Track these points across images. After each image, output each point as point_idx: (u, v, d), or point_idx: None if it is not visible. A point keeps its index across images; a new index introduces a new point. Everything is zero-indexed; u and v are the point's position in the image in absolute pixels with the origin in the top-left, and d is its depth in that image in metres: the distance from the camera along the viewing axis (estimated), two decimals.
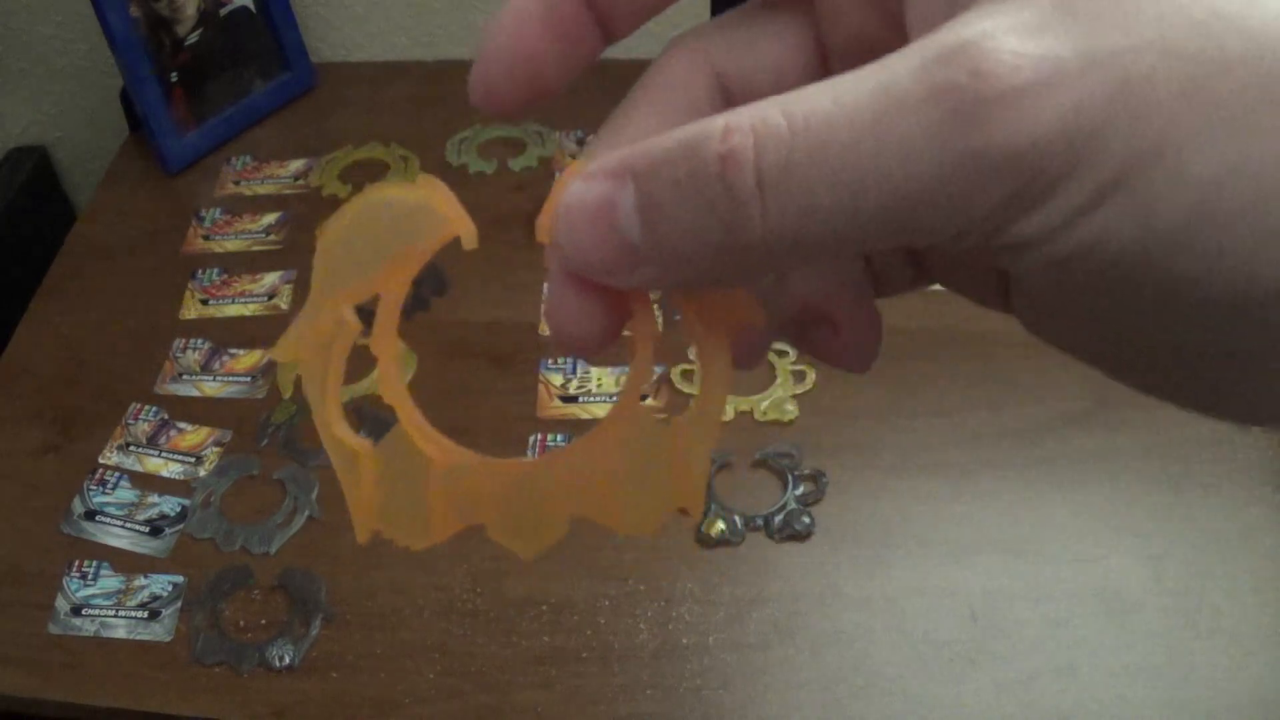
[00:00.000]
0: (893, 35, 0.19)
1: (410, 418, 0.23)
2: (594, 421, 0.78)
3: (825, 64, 0.21)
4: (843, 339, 0.23)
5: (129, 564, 0.72)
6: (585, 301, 0.20)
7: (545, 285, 0.19)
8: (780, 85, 0.20)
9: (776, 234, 0.16)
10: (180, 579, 0.71)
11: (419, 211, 0.20)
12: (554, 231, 0.19)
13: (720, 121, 0.16)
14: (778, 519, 0.72)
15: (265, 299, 0.90)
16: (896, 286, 0.24)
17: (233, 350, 0.86)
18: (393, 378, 0.22)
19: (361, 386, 0.82)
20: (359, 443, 0.22)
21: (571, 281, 0.20)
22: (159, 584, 0.71)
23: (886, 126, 0.15)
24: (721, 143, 0.16)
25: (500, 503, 0.22)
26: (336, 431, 0.22)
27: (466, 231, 0.20)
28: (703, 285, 0.19)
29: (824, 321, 0.23)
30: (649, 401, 0.19)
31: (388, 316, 0.22)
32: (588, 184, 0.18)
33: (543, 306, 0.20)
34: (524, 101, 0.21)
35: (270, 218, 0.97)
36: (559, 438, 0.77)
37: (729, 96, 0.22)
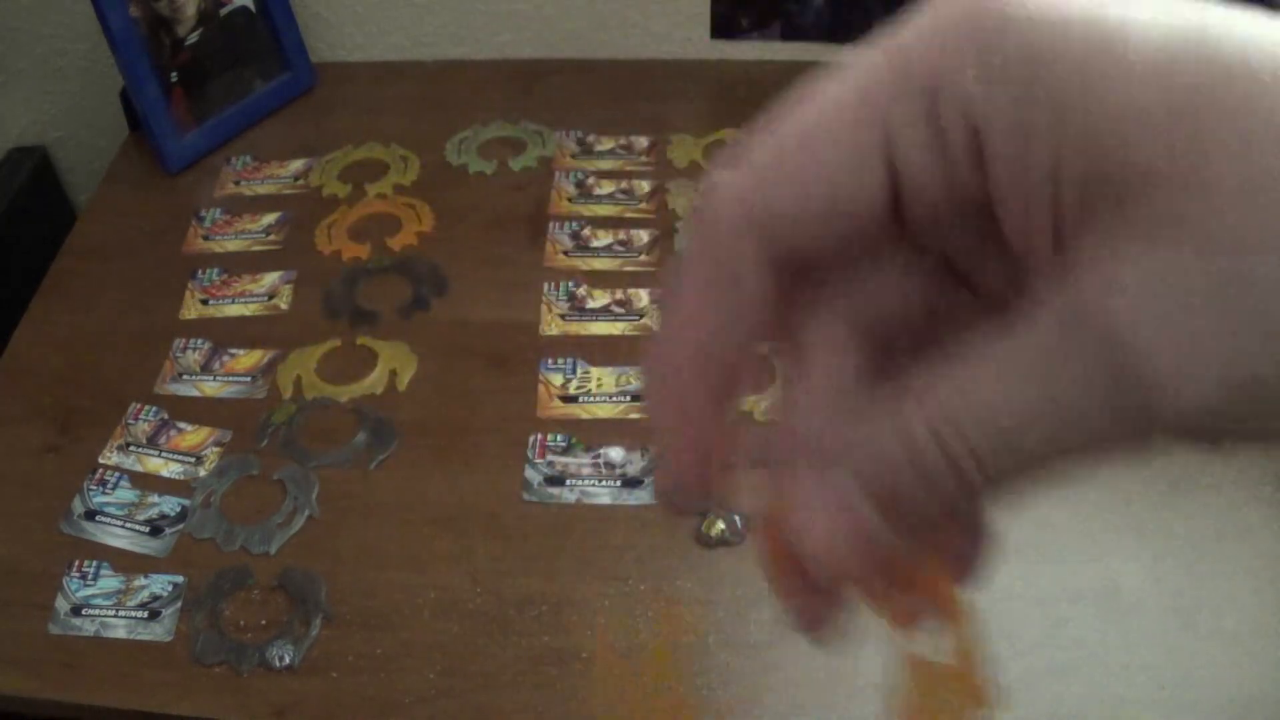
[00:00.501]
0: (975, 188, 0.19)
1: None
2: (594, 421, 0.79)
3: (896, 205, 0.20)
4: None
5: (129, 564, 0.72)
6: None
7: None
8: (844, 251, 0.20)
9: (995, 486, 0.19)
10: (180, 579, 0.71)
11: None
12: (814, 560, 0.21)
13: (909, 425, 0.19)
14: None
15: (265, 299, 0.90)
16: None
17: (233, 350, 0.86)
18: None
19: (361, 386, 0.82)
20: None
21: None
22: (159, 584, 0.71)
23: (1061, 415, 0.17)
24: (934, 438, 0.19)
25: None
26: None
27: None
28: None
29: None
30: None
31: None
32: (820, 515, 0.21)
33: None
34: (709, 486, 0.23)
35: (270, 218, 0.97)
36: (559, 438, 0.77)
37: (780, 264, 0.21)
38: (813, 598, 0.23)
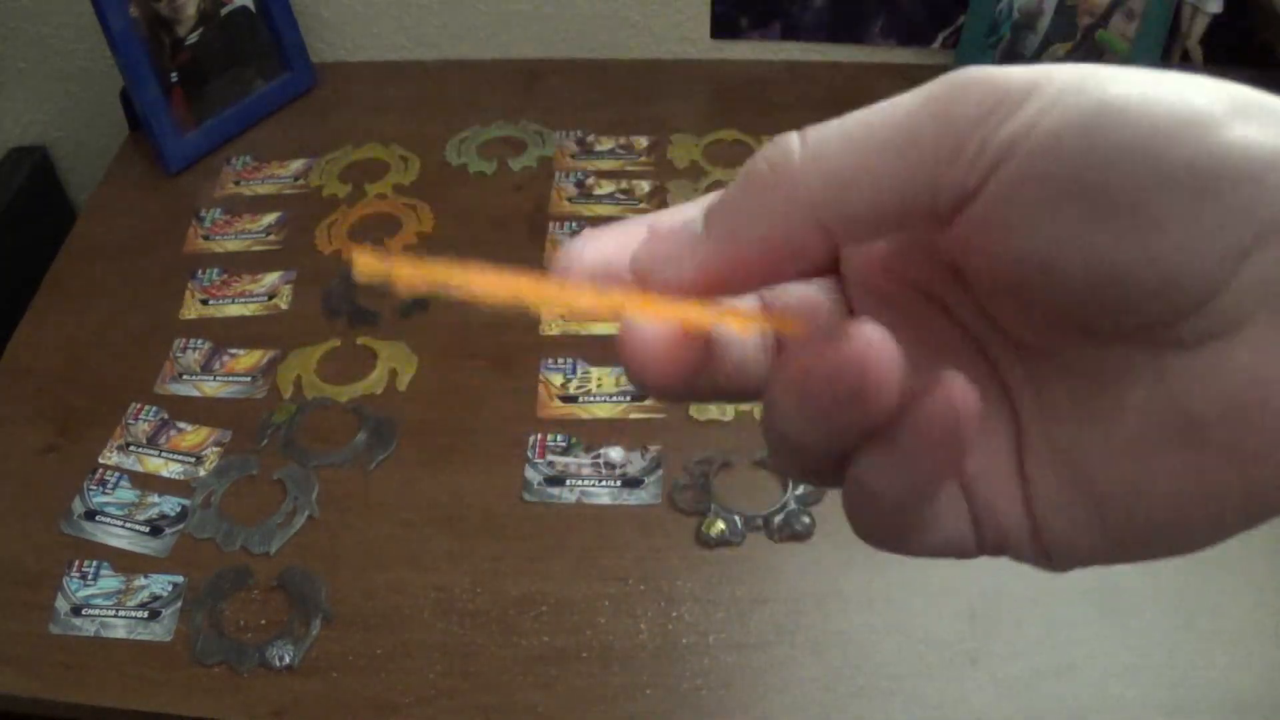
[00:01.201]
0: None
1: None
2: (594, 421, 0.79)
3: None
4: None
5: (129, 564, 0.72)
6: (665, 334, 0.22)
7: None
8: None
9: (812, 182, 0.20)
10: (180, 579, 0.71)
11: None
12: (634, 256, 0.22)
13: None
14: (778, 519, 0.72)
15: (265, 299, 0.90)
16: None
17: (233, 350, 0.86)
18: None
19: (361, 386, 0.82)
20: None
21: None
22: (159, 584, 0.71)
23: (897, 101, 0.20)
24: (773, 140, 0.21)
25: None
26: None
27: None
28: (749, 261, 0.21)
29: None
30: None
31: None
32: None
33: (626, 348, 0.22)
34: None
35: (270, 218, 0.97)
36: (559, 438, 0.77)
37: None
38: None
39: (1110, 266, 0.18)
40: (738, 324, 0.23)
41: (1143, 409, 0.20)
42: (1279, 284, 0.18)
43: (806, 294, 0.25)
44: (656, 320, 0.22)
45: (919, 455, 0.20)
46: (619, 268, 0.23)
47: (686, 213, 0.22)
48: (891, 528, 0.22)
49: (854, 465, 0.21)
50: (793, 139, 0.20)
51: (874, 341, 0.19)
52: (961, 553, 0.23)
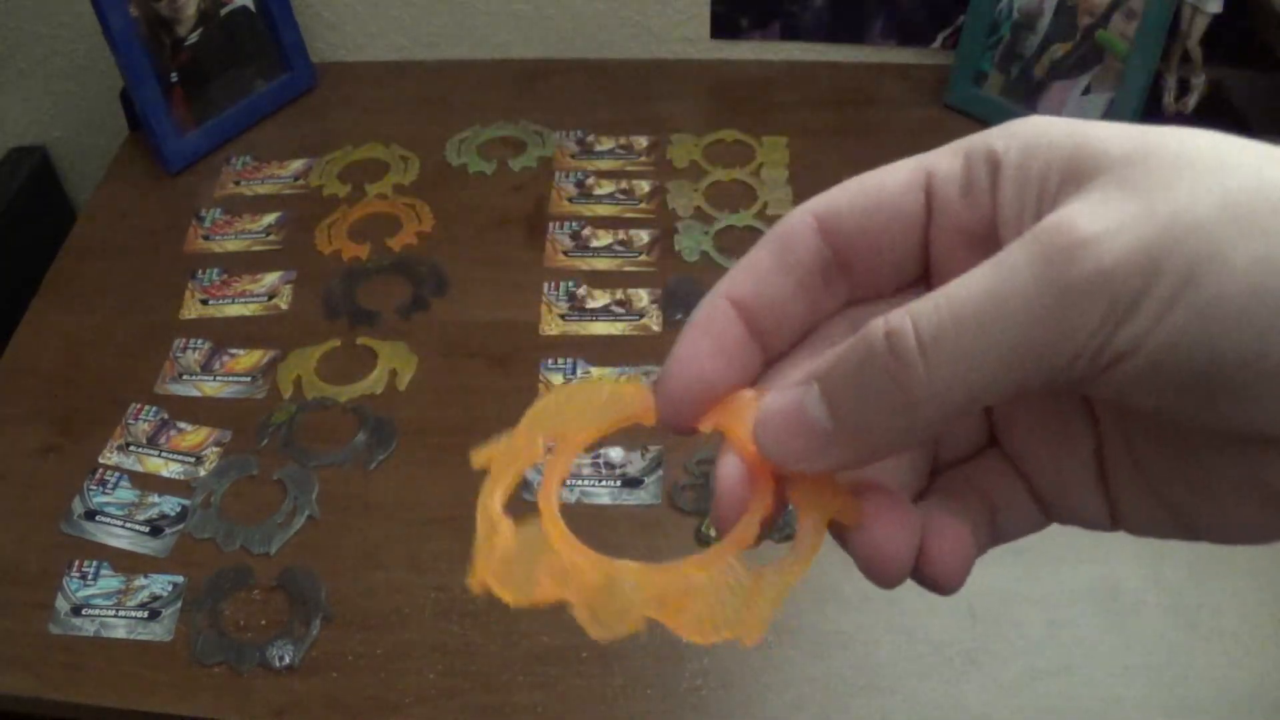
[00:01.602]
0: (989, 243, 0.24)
1: (553, 519, 0.28)
2: None
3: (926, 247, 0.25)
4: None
5: (129, 564, 0.72)
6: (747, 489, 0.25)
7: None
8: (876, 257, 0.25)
9: (938, 387, 0.21)
10: (180, 579, 0.71)
11: (630, 402, 0.27)
12: (756, 436, 0.24)
13: (881, 317, 0.21)
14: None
15: (265, 299, 0.90)
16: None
17: (233, 350, 0.86)
18: (549, 492, 0.28)
19: (362, 386, 0.82)
20: (502, 521, 0.28)
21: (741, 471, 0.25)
22: (159, 584, 0.71)
23: (1007, 286, 0.20)
24: (886, 324, 0.21)
25: (593, 593, 0.27)
26: (490, 504, 0.28)
27: (651, 419, 0.26)
28: (879, 456, 0.23)
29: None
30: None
31: (556, 470, 0.28)
32: (778, 395, 0.23)
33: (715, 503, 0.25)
34: (700, 415, 0.25)
35: (270, 218, 0.97)
36: None
37: (837, 259, 0.26)
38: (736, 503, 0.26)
39: (1223, 426, 0.21)
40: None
41: (1234, 480, 0.23)
42: None
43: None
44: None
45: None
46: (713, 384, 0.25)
47: (791, 388, 0.23)
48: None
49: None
50: (904, 320, 0.21)
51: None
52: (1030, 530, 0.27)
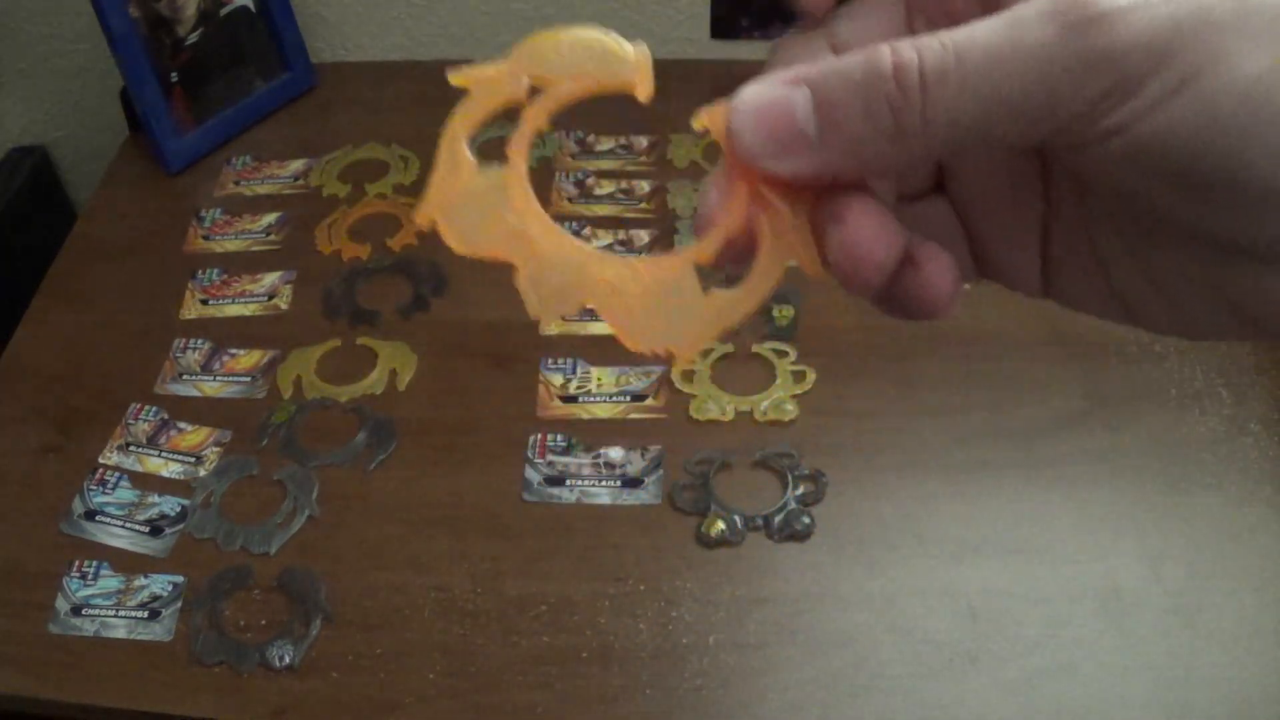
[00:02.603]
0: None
1: (520, 172, 0.26)
2: (594, 421, 0.79)
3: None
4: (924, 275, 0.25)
5: (129, 564, 0.72)
6: (725, 193, 0.25)
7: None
8: None
9: (933, 121, 0.21)
10: (180, 579, 0.71)
11: (624, 62, 0.25)
12: (729, 118, 0.23)
13: (888, 45, 0.22)
14: (778, 519, 0.72)
15: (265, 299, 0.90)
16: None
17: (233, 350, 0.86)
18: (523, 139, 0.27)
19: (361, 386, 0.82)
20: (466, 157, 0.26)
21: (722, 176, 0.25)
22: (159, 584, 0.71)
23: (1017, 40, 0.21)
24: (894, 54, 0.21)
25: (542, 261, 0.25)
26: (457, 134, 0.26)
27: (645, 90, 0.25)
28: (852, 174, 0.23)
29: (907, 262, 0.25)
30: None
31: (533, 118, 0.26)
32: (762, 86, 0.23)
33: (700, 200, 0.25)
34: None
35: (270, 218, 0.97)
36: (559, 438, 0.77)
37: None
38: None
39: (1193, 225, 0.21)
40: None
41: (1196, 282, 0.23)
42: None
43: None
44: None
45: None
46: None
47: (782, 82, 0.23)
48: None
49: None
50: (911, 54, 0.21)
51: None
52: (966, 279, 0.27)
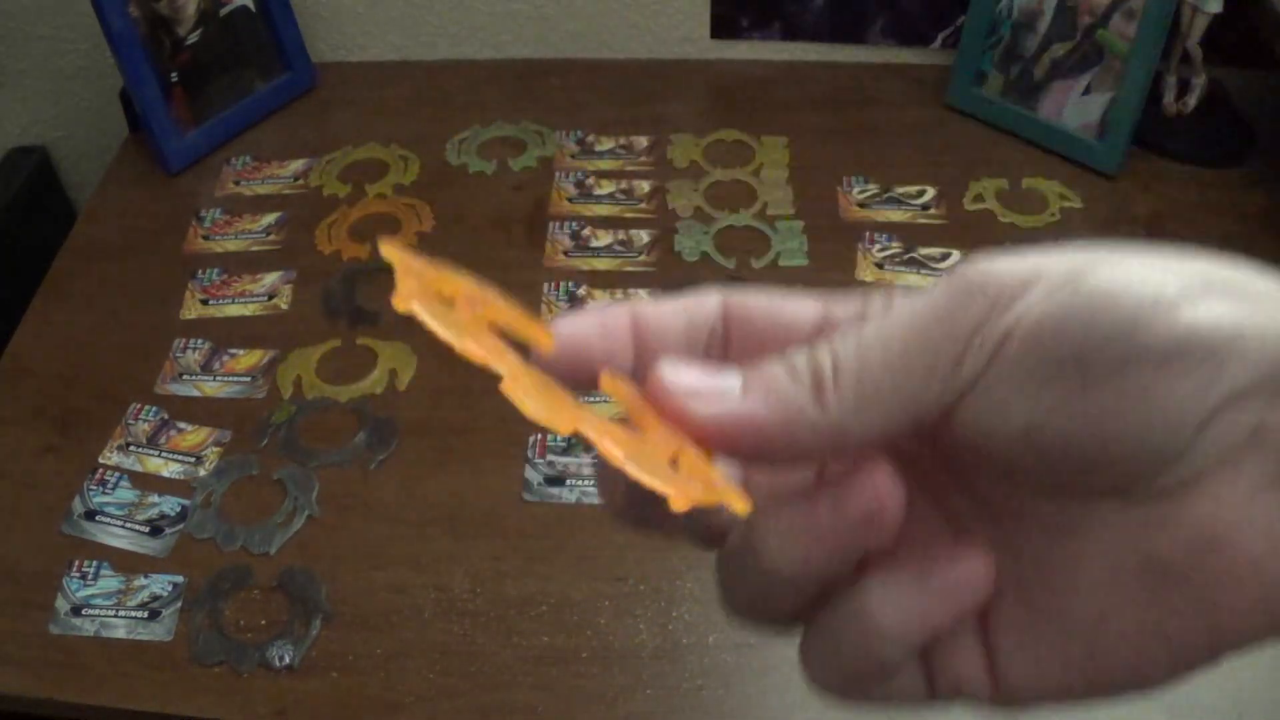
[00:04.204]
0: None
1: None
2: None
3: None
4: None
5: (129, 564, 0.72)
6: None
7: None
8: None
9: (849, 415, 0.21)
10: (180, 579, 0.71)
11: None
12: (660, 364, 0.23)
13: (805, 352, 0.22)
14: None
15: (265, 299, 0.90)
16: None
17: (233, 350, 0.86)
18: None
19: (361, 386, 0.82)
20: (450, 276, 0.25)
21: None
22: (159, 584, 0.71)
23: (916, 308, 0.22)
24: (810, 356, 0.22)
25: (530, 376, 0.24)
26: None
27: (543, 345, 0.25)
28: (777, 448, 0.22)
29: None
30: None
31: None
32: (696, 370, 0.23)
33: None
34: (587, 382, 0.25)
35: (270, 218, 0.97)
36: (559, 437, 0.77)
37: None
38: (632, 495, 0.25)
39: (1090, 434, 0.21)
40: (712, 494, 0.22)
41: (1110, 554, 0.22)
42: (1236, 443, 0.20)
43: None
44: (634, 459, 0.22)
45: (839, 532, 0.22)
46: (593, 350, 0.25)
47: (703, 372, 0.23)
48: (857, 672, 0.24)
49: (860, 592, 0.23)
50: (826, 358, 0.22)
51: (887, 491, 0.22)
52: (915, 703, 0.25)
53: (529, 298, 0.88)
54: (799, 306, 0.25)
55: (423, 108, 1.08)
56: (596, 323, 0.25)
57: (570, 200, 0.97)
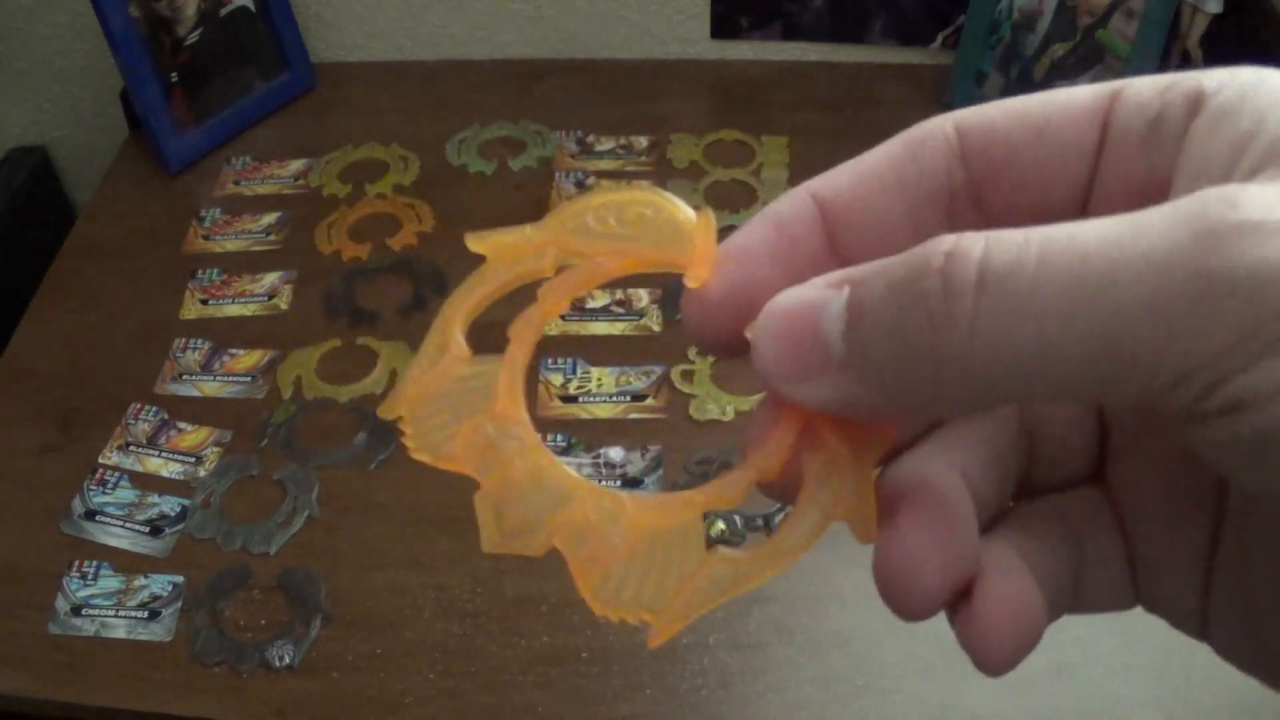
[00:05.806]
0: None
1: (516, 367, 0.22)
2: (594, 421, 0.79)
3: None
4: (975, 610, 0.19)
5: (129, 564, 0.72)
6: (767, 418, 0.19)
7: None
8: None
9: (983, 341, 0.15)
10: (180, 579, 0.71)
11: (677, 235, 0.20)
12: (751, 339, 0.18)
13: (953, 235, 0.16)
14: (778, 519, 0.72)
15: (265, 299, 0.90)
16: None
17: (233, 350, 0.86)
18: (530, 326, 0.23)
19: (361, 386, 0.82)
20: (458, 342, 0.22)
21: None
22: (159, 584, 0.71)
23: (1127, 244, 0.14)
24: (953, 242, 0.16)
25: (511, 488, 0.20)
26: (454, 315, 0.22)
27: (700, 274, 0.20)
28: (888, 406, 0.17)
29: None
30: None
31: (553, 298, 0.22)
32: (801, 290, 0.18)
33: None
34: (736, 342, 0.19)
35: (270, 218, 0.97)
36: (558, 437, 0.77)
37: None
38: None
39: None
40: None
41: None
42: None
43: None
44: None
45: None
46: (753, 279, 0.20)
47: (816, 289, 0.18)
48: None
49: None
50: (975, 245, 0.15)
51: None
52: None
53: (528, 298, 0.88)
54: (1068, 121, 0.18)
55: (423, 108, 1.08)
56: (767, 249, 0.19)
57: (570, 200, 0.97)
